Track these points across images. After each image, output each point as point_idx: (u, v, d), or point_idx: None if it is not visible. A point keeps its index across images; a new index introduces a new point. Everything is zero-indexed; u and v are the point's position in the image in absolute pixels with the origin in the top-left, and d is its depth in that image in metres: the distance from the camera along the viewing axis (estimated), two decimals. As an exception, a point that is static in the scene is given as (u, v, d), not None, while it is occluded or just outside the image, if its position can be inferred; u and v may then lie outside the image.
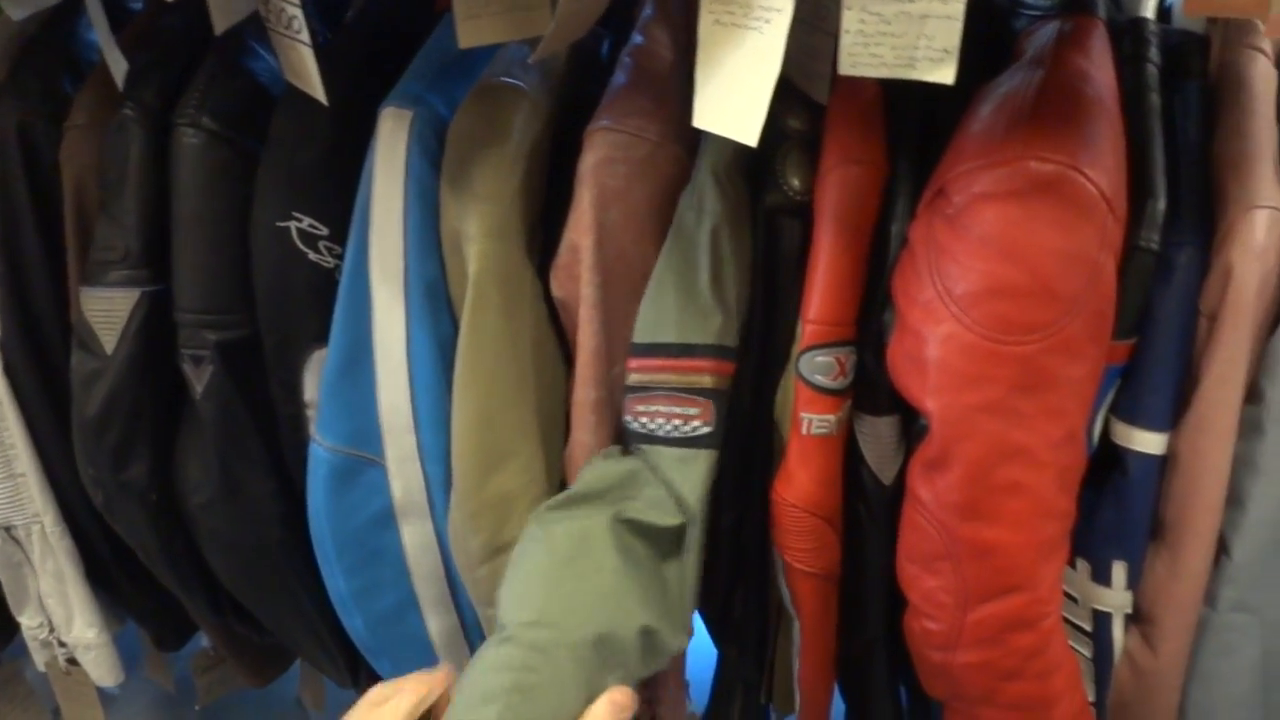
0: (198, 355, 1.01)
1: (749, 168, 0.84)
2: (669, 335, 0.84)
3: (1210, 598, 0.81)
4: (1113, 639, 0.88)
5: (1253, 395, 0.76)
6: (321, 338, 0.98)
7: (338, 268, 0.96)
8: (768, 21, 0.67)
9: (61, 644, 1.21)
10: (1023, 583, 0.75)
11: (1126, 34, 0.85)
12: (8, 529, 1.17)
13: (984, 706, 0.82)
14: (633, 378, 0.85)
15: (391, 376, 0.96)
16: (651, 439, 0.85)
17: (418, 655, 1.07)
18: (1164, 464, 0.80)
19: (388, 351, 0.95)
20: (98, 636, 1.20)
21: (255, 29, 0.92)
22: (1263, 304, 0.73)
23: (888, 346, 0.77)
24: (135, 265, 0.99)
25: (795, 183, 0.81)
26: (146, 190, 0.97)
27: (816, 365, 0.80)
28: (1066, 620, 0.87)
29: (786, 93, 0.81)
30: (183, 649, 1.37)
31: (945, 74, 0.59)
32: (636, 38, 0.90)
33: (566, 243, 0.88)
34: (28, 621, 1.21)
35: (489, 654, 0.73)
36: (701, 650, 1.03)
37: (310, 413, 1.02)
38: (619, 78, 0.88)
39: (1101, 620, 0.88)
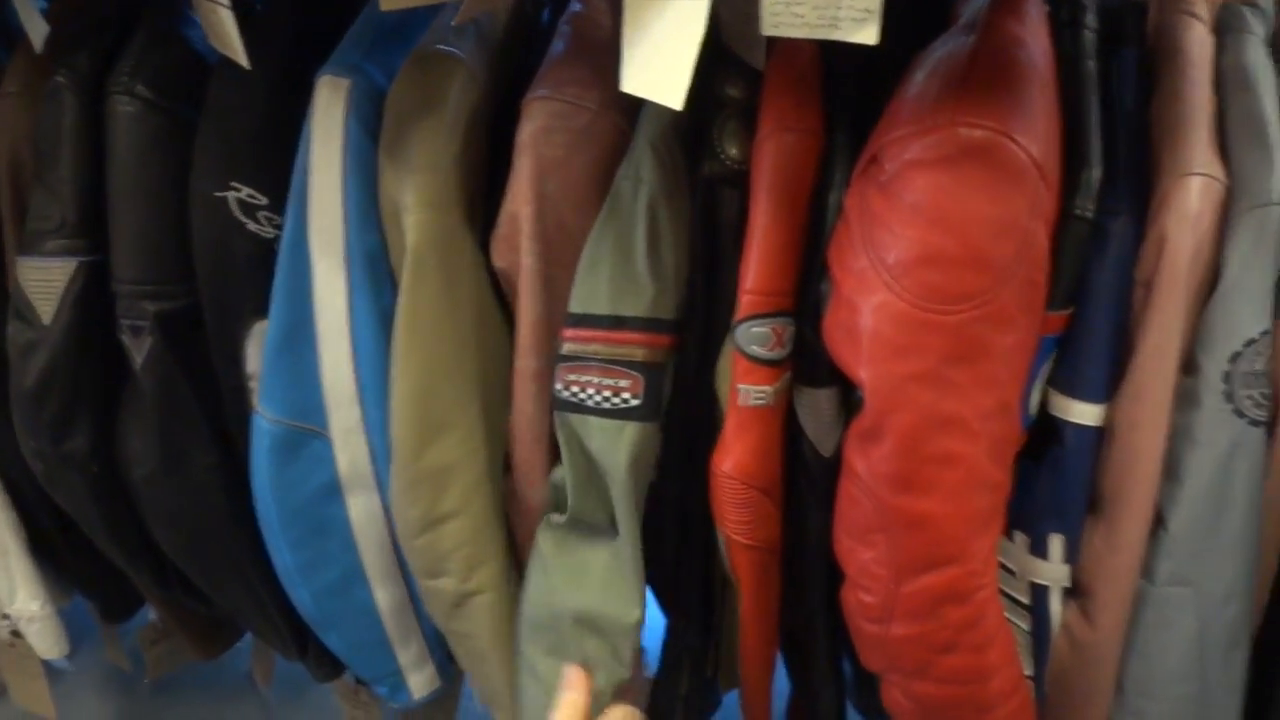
0: (136, 326, 0.98)
1: (687, 137, 0.82)
2: (601, 306, 0.82)
3: (1148, 571, 0.80)
4: (1050, 612, 0.86)
5: (1188, 366, 0.74)
6: (263, 309, 0.95)
7: (278, 238, 0.93)
8: (694, -17, 0.61)
9: (4, 616, 1.17)
10: (956, 555, 0.74)
11: (1063, -1, 0.82)
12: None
13: (920, 679, 0.81)
14: (566, 347, 0.84)
15: (334, 348, 0.94)
16: (581, 409, 0.84)
17: (365, 627, 1.06)
18: (1101, 436, 0.78)
19: (329, 323, 0.93)
20: (41, 609, 1.18)
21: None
22: (1197, 272, 0.71)
23: (824, 317, 0.74)
24: (72, 235, 0.97)
25: (733, 151, 0.79)
26: (82, 159, 0.94)
27: (753, 336, 0.78)
28: (1004, 593, 0.86)
29: (724, 60, 0.79)
30: (130, 621, 1.34)
31: (868, 34, 0.57)
32: (575, 4, 0.88)
33: (506, 213, 0.86)
34: (-33, 594, 1.18)
35: None
36: (655, 620, 1.01)
37: (253, 385, 1.00)
38: (557, 46, 0.86)
39: (1039, 593, 0.86)
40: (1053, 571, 0.85)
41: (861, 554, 0.76)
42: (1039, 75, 0.69)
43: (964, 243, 0.65)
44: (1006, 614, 0.84)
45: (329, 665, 1.19)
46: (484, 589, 0.99)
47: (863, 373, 0.70)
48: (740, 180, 0.80)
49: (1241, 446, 0.76)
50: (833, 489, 0.80)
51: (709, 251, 0.83)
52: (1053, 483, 0.81)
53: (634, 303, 0.82)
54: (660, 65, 0.68)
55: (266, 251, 0.95)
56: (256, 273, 0.95)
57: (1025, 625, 0.88)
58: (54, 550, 1.18)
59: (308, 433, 0.97)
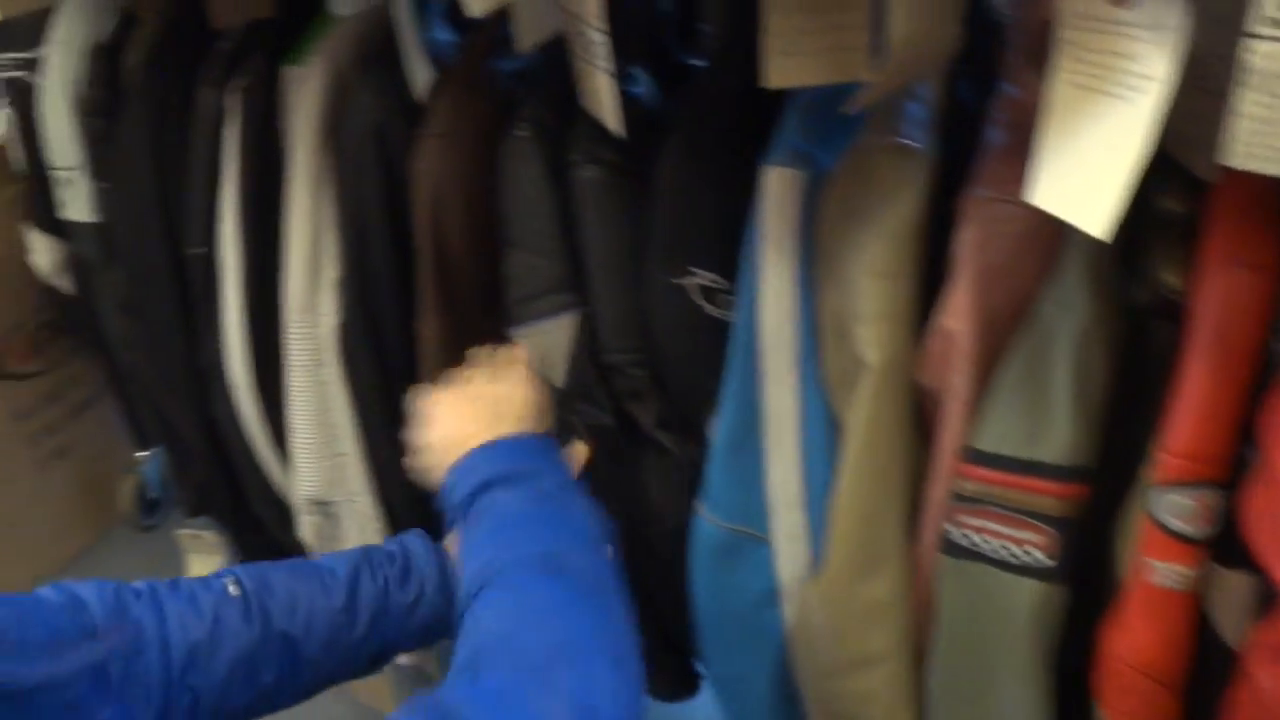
0: (635, 390, 1.05)
1: (1119, 252, 0.77)
2: (1012, 446, 0.78)
3: None
4: None
5: None
6: None
7: None
8: (1139, 90, 0.58)
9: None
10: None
11: None
12: (324, 504, 1.32)
13: None
14: (966, 486, 0.82)
15: (782, 450, 0.95)
16: (978, 556, 0.81)
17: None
18: None
19: (779, 424, 0.94)
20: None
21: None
22: None
23: (1243, 490, 0.61)
24: (563, 289, 1.05)
25: (1170, 279, 0.70)
26: (557, 215, 1.02)
27: (1172, 506, 0.72)
28: None
29: (1162, 163, 0.67)
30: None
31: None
32: (1009, 87, 0.85)
33: (939, 327, 0.85)
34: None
35: None
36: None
37: None
38: (995, 136, 0.84)
39: None
40: None
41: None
42: None
43: None
44: None
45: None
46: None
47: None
48: (1176, 312, 0.73)
49: None
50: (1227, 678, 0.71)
51: (1132, 390, 0.77)
52: None
53: (1051, 448, 0.77)
54: (1085, 182, 0.62)
55: (729, 335, 0.99)
56: (722, 357, 0.97)
57: None
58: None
59: (749, 538, 0.99)
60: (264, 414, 1.35)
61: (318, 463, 1.31)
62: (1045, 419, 0.77)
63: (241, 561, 1.63)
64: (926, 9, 0.70)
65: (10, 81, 1.47)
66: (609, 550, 0.85)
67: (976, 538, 0.80)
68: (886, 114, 0.89)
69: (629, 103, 0.95)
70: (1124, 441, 0.77)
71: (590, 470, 1.04)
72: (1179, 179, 0.74)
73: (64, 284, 1.60)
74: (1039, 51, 0.88)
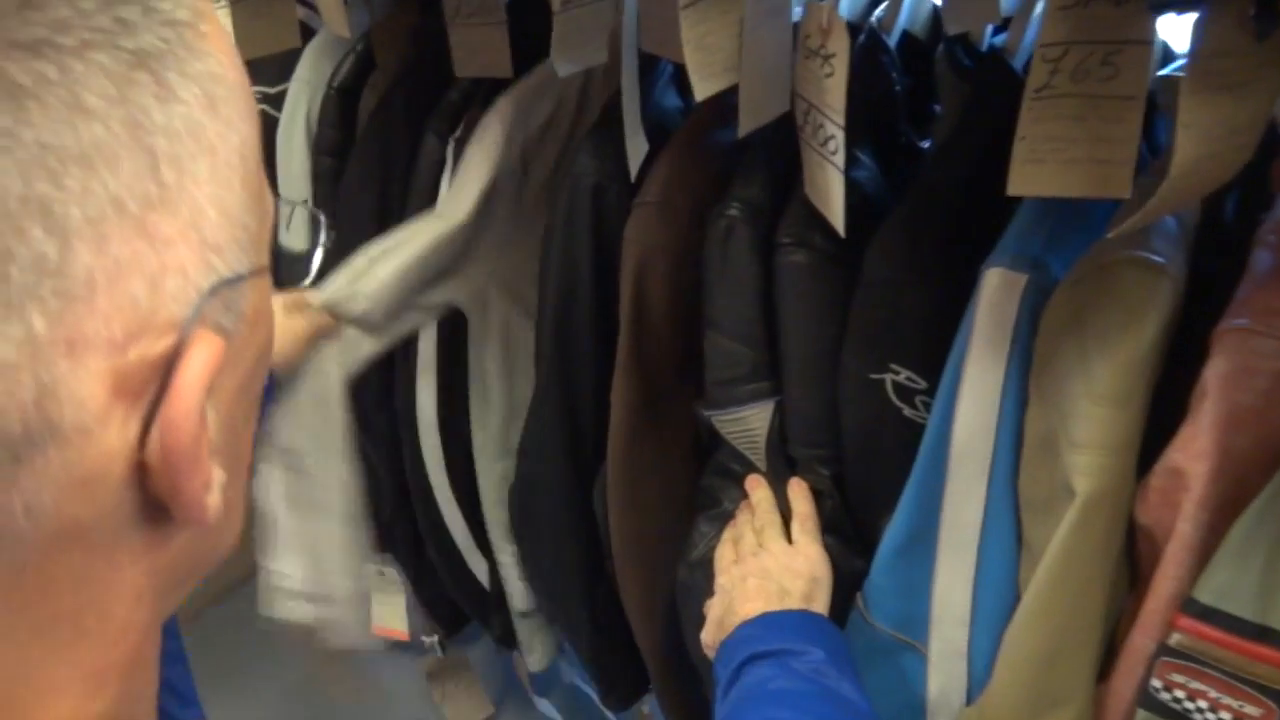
0: (817, 490, 1.01)
1: None
2: (1243, 607, 0.68)
3: None
4: None
5: None
6: None
7: None
8: None
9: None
10: None
11: None
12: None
13: None
14: (1177, 638, 0.71)
15: (955, 562, 0.87)
16: (1182, 716, 0.70)
17: None
18: None
19: (957, 535, 0.86)
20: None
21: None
22: None
23: None
24: (763, 377, 1.00)
25: None
26: (761, 300, 0.96)
27: None
28: None
29: None
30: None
31: None
32: None
33: (1168, 463, 0.74)
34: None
35: None
36: None
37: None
38: (1262, 260, 0.74)
39: None
40: None
41: None
42: None
43: None
44: None
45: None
46: None
47: None
48: None
49: None
50: None
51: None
52: None
53: None
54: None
55: (920, 439, 0.89)
56: (907, 463, 0.90)
57: None
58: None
59: (906, 646, 0.93)
60: (447, 466, 1.34)
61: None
62: (1287, 584, 0.67)
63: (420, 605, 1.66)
64: (1222, 130, 0.60)
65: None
66: None
67: (1184, 697, 0.70)
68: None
69: (849, 187, 0.87)
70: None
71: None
72: None
73: None
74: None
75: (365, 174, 1.28)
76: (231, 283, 0.34)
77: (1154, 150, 0.84)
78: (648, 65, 1.03)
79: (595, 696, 1.44)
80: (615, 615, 1.22)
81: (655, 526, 1.12)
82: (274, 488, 1.07)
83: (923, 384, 0.89)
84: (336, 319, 1.08)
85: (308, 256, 1.00)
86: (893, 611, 0.92)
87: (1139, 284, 0.75)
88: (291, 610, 1.10)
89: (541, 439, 1.17)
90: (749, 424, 1.01)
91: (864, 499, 0.98)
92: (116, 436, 0.31)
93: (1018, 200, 0.86)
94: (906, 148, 1.03)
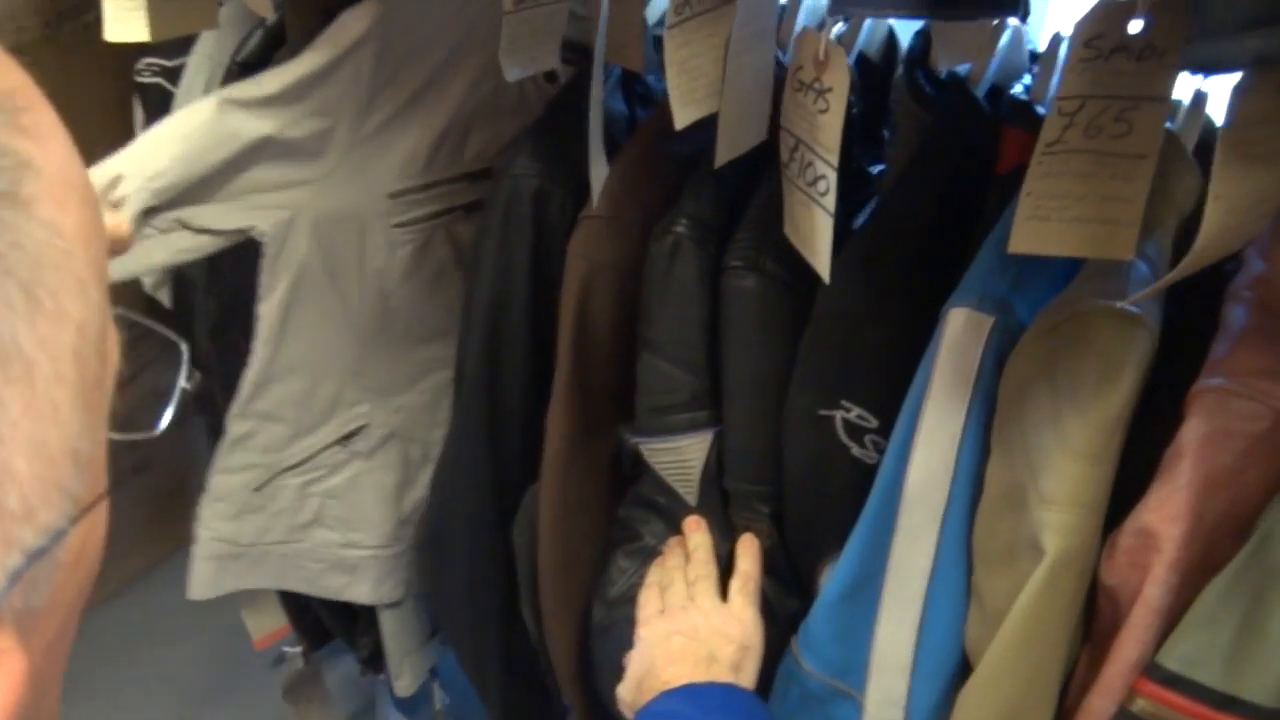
0: (752, 528, 0.94)
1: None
2: (1210, 675, 0.65)
3: None
4: None
5: None
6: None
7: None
8: None
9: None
10: None
11: None
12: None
13: None
14: (1140, 703, 0.68)
15: (899, 609, 0.82)
16: None
17: None
18: None
19: (904, 581, 0.81)
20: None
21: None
22: None
23: None
24: (703, 406, 0.93)
25: None
26: (705, 324, 0.90)
27: None
28: None
29: None
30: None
31: None
32: (1256, 263, 0.72)
33: (1136, 523, 0.70)
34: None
35: None
36: None
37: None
38: (1237, 316, 0.70)
39: None
40: None
41: None
42: None
43: None
44: None
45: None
46: None
47: None
48: None
49: None
50: None
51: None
52: None
53: (1258, 686, 0.63)
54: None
55: (867, 481, 0.85)
56: (854, 503, 0.85)
57: None
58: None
59: (840, 693, 0.87)
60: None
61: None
62: (1256, 653, 0.63)
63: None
64: (1250, 201, 0.56)
65: (149, 87, 1.34)
66: None
67: (1144, 763, 0.67)
68: (1105, 268, 0.74)
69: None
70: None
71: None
72: None
73: (164, 298, 1.47)
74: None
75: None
76: (46, 550, 0.27)
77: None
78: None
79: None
80: (528, 655, 1.15)
81: (586, 559, 1.04)
82: None
83: (874, 423, 0.84)
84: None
85: (164, 397, 0.87)
86: (831, 657, 0.87)
87: (1116, 337, 0.71)
88: None
89: (460, 464, 1.09)
90: (683, 454, 0.95)
91: (803, 538, 0.92)
92: None
93: (979, 233, 0.82)
94: (857, 171, 0.97)
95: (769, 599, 0.93)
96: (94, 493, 0.32)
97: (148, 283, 1.46)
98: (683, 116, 0.78)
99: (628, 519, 1.01)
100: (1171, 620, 0.69)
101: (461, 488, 1.11)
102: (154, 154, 0.96)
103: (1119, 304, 0.72)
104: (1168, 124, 0.69)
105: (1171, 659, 0.67)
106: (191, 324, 1.37)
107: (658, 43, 0.91)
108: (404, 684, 1.42)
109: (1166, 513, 0.68)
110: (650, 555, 0.99)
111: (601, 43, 0.78)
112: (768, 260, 0.86)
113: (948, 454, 0.77)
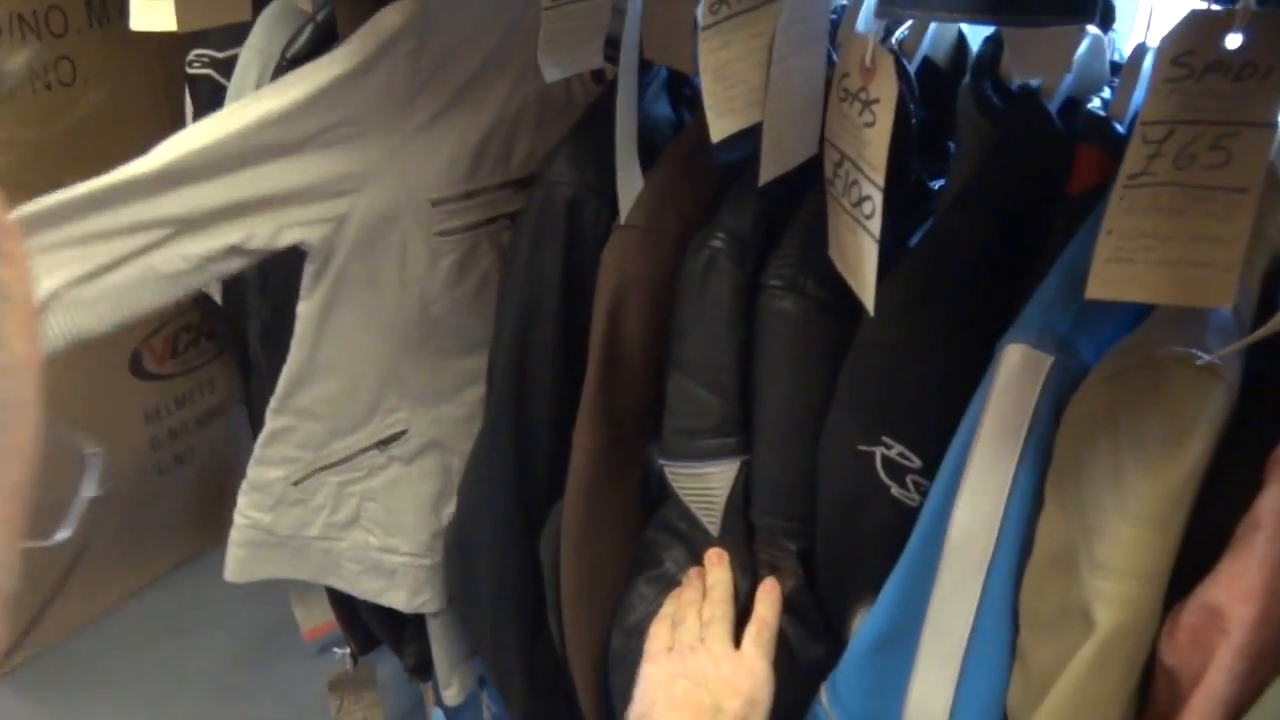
0: (775, 564, 0.87)
1: None
2: None
3: None
4: None
5: None
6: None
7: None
8: None
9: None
10: None
11: None
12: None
13: None
14: None
15: (936, 668, 0.74)
16: None
17: None
18: None
19: (942, 637, 0.73)
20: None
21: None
22: None
23: None
24: (731, 433, 0.85)
25: None
26: (738, 347, 0.83)
27: None
28: None
29: None
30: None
31: None
32: None
33: (1203, 599, 0.61)
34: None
35: None
36: None
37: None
38: None
39: None
40: None
41: None
42: None
43: None
44: None
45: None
46: None
47: None
48: None
49: None
50: None
51: None
52: None
53: None
54: None
55: (907, 524, 0.77)
56: (890, 546, 0.77)
57: None
58: None
59: None
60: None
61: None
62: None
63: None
64: None
65: (199, 78, 1.30)
66: None
67: None
68: (1182, 311, 0.64)
69: None
70: None
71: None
72: None
73: (215, 293, 1.42)
74: None
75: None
76: None
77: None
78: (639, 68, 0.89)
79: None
80: (553, 673, 1.09)
81: (609, 577, 0.97)
82: None
83: (916, 462, 0.76)
84: None
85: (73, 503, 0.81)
86: (860, 712, 0.79)
87: (1191, 390, 0.61)
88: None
89: (487, 476, 1.03)
90: (709, 482, 0.87)
91: (834, 581, 0.84)
92: None
93: (1044, 260, 0.73)
94: (916, 186, 0.89)
95: (791, 642, 0.86)
96: None
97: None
98: (720, 128, 0.71)
99: (652, 542, 0.94)
100: (1236, 712, 0.61)
101: (487, 497, 1.05)
102: (198, 192, 0.90)
103: (1194, 352, 0.64)
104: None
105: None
106: (240, 319, 1.34)
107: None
108: (452, 693, 1.38)
109: (1237, 592, 0.59)
110: (671, 583, 0.92)
111: (631, 43, 0.72)
112: (808, 281, 0.79)
113: (995, 503, 0.69)
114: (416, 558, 1.24)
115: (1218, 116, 0.53)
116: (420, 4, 0.91)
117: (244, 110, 0.90)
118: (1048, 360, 0.66)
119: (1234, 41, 0.53)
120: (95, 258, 0.85)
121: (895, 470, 0.77)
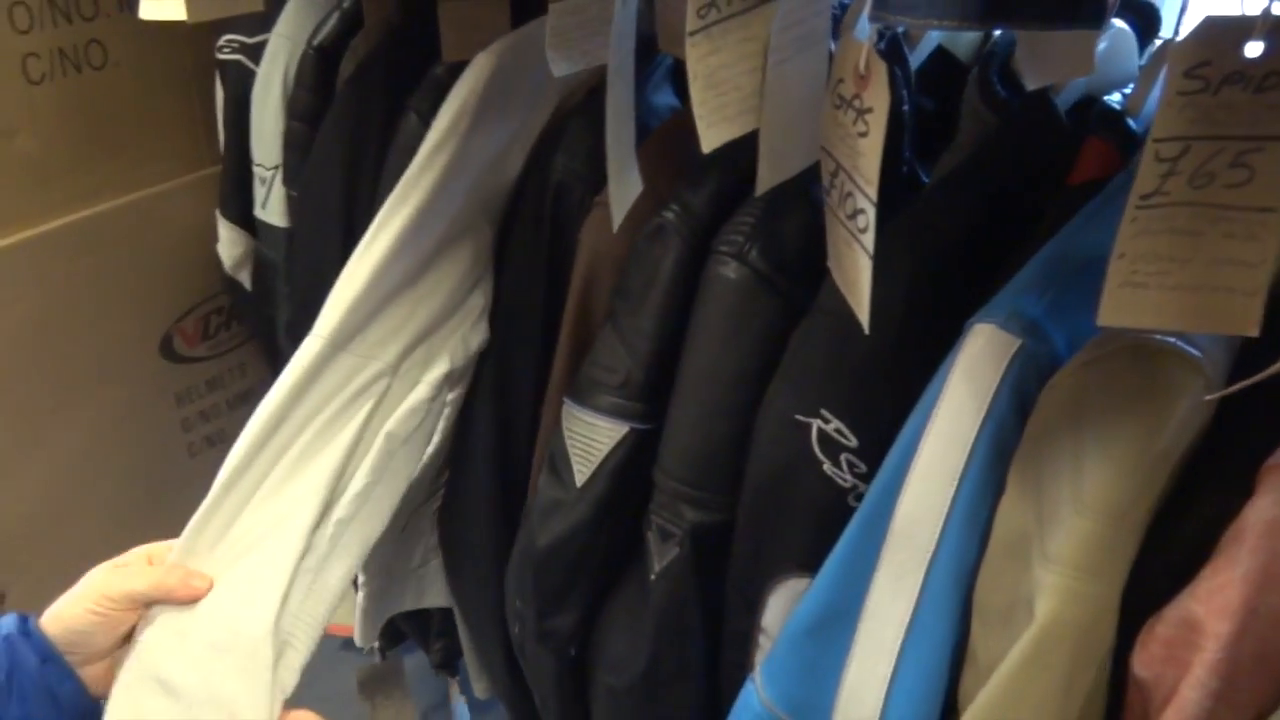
0: (667, 530, 0.78)
1: None
2: None
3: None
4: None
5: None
6: (804, 566, 0.70)
7: (854, 490, 0.68)
8: None
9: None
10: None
11: None
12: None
13: None
14: None
15: (871, 657, 0.66)
16: None
17: None
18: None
19: (879, 626, 0.65)
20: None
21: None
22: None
23: None
24: (633, 397, 0.78)
25: None
26: (671, 314, 0.75)
27: None
28: None
29: None
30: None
31: None
32: None
33: (1181, 611, 0.53)
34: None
35: None
36: None
37: (762, 640, 0.77)
38: None
39: None
40: None
41: None
42: None
43: None
44: None
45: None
46: None
47: None
48: None
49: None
50: None
51: None
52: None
53: None
54: None
55: (835, 503, 0.69)
56: (814, 523, 0.70)
57: None
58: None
59: None
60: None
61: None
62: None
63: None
64: None
65: (229, 63, 1.22)
66: None
67: None
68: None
69: (816, 211, 0.66)
70: None
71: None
72: None
73: (244, 279, 1.34)
74: None
75: (332, 152, 1.04)
76: None
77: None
78: (643, 54, 0.77)
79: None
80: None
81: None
82: None
83: (853, 441, 0.65)
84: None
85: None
86: (792, 693, 0.69)
87: (1168, 381, 0.52)
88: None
89: (472, 448, 0.96)
90: (595, 434, 0.80)
91: (753, 550, 0.74)
92: None
93: (1024, 256, 0.63)
94: (907, 179, 0.79)
95: (712, 600, 0.78)
96: None
97: (228, 264, 1.34)
98: (710, 138, 0.61)
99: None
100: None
101: (470, 473, 1.00)
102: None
103: (1175, 342, 0.54)
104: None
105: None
106: (269, 306, 1.28)
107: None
108: (483, 687, 1.27)
109: (1216, 605, 0.51)
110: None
111: (619, 36, 0.63)
112: (754, 251, 0.69)
113: (945, 490, 0.59)
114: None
115: (1239, 131, 0.43)
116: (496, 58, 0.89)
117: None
118: (1015, 343, 0.57)
119: (1254, 50, 0.45)
120: None
121: (830, 446, 0.65)
